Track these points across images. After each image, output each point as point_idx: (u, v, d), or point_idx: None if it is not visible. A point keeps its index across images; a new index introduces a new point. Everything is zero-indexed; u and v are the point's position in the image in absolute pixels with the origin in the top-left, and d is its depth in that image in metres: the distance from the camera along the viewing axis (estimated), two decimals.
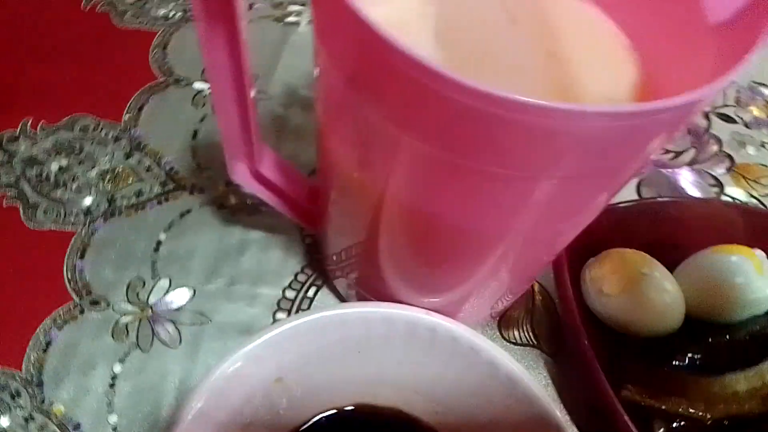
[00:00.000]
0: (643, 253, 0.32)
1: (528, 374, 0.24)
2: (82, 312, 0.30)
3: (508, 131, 0.15)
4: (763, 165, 0.40)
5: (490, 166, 0.17)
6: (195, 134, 0.37)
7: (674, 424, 0.28)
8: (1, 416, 0.28)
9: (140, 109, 0.37)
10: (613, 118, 0.14)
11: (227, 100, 0.24)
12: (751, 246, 0.32)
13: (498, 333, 0.32)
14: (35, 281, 0.31)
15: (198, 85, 0.39)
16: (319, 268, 0.33)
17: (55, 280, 0.31)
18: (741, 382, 0.28)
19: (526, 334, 0.33)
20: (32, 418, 0.28)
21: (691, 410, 0.28)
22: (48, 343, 0.29)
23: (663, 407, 0.28)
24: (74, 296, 0.31)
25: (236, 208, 0.34)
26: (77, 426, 0.28)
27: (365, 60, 0.16)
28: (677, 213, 0.35)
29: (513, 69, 0.21)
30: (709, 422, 0.28)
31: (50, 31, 0.39)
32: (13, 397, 0.28)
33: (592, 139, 0.15)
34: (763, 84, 0.45)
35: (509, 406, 0.25)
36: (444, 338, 0.26)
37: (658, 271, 0.31)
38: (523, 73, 0.21)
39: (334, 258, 0.30)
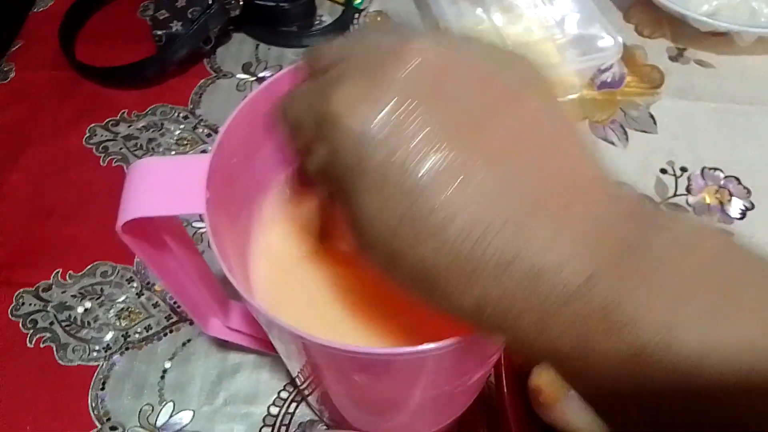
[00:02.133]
0: None
1: None
2: None
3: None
4: None
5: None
6: None
7: None
8: None
9: None
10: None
11: (188, 298, 0.30)
12: None
13: None
14: (65, 411, 0.38)
15: (196, 224, 0.46)
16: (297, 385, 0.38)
17: (81, 409, 0.38)
18: None
19: None
20: None
21: None
22: None
23: None
24: (97, 423, 0.37)
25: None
26: None
27: None
28: None
29: None
30: None
31: (73, 190, 0.47)
32: None
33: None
34: (716, 168, 0.48)
35: None
36: None
37: None
38: None
39: (298, 379, 0.35)
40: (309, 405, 0.38)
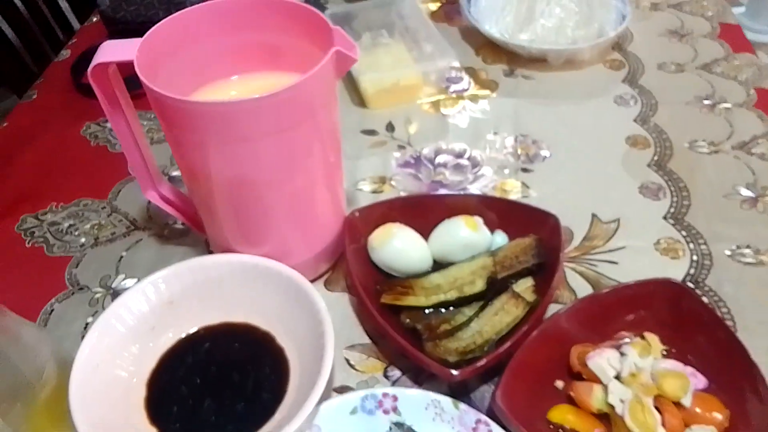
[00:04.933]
0: (400, 224, 0.52)
1: (317, 293, 0.44)
2: (73, 294, 0.52)
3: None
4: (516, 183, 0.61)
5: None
6: (149, 203, 0.61)
7: (412, 313, 0.47)
8: None
9: (118, 192, 0.62)
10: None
11: (134, 157, 0.48)
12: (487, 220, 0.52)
13: (324, 288, 0.52)
14: (49, 281, 0.54)
15: None
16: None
17: (59, 280, 0.54)
18: (439, 278, 0.47)
19: (341, 286, 0.52)
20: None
21: (418, 302, 0.47)
22: (52, 311, 0.51)
23: (403, 303, 0.47)
24: (69, 286, 0.53)
25: (169, 236, 0.57)
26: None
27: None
28: (441, 203, 0.55)
29: None
30: (429, 306, 0.46)
31: (69, 158, 0.67)
32: None
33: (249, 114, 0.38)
34: (526, 135, 0.66)
35: (309, 320, 0.44)
36: (271, 273, 0.46)
37: (407, 234, 0.51)
38: None
39: (209, 235, 0.51)
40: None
